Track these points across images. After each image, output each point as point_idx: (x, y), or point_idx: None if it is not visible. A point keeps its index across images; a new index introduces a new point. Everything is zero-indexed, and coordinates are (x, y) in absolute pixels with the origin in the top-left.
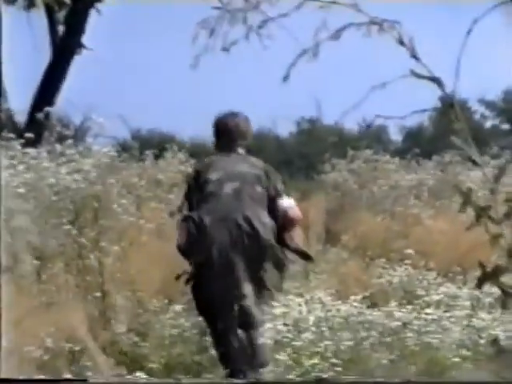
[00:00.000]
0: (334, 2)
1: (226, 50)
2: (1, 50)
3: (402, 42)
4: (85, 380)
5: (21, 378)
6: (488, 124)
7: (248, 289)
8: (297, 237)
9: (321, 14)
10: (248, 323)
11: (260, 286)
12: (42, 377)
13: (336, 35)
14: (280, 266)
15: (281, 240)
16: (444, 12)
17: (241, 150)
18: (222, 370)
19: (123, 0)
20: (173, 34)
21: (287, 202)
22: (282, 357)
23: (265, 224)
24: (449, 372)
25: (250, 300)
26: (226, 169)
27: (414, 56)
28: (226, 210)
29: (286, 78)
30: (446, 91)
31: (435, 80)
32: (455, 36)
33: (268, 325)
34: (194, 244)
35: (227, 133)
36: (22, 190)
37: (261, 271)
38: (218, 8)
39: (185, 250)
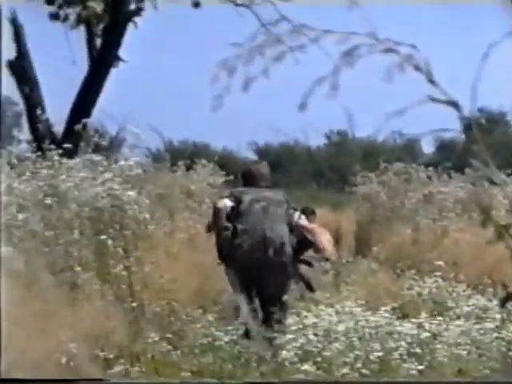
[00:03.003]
0: (353, 33)
1: (246, 88)
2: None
3: (418, 68)
4: (100, 379)
5: (36, 378)
6: None
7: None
8: (326, 242)
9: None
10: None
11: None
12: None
13: (349, 60)
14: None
15: (298, 252)
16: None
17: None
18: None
19: (157, 14)
20: (205, 47)
21: (303, 221)
22: (310, 367)
23: (284, 234)
24: None
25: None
26: (255, 193)
27: (431, 80)
28: (255, 221)
29: (302, 106)
30: (463, 114)
31: (453, 104)
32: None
33: (298, 335)
34: (229, 246)
35: (252, 178)
36: (48, 201)
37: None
38: (236, 45)
39: (221, 252)
